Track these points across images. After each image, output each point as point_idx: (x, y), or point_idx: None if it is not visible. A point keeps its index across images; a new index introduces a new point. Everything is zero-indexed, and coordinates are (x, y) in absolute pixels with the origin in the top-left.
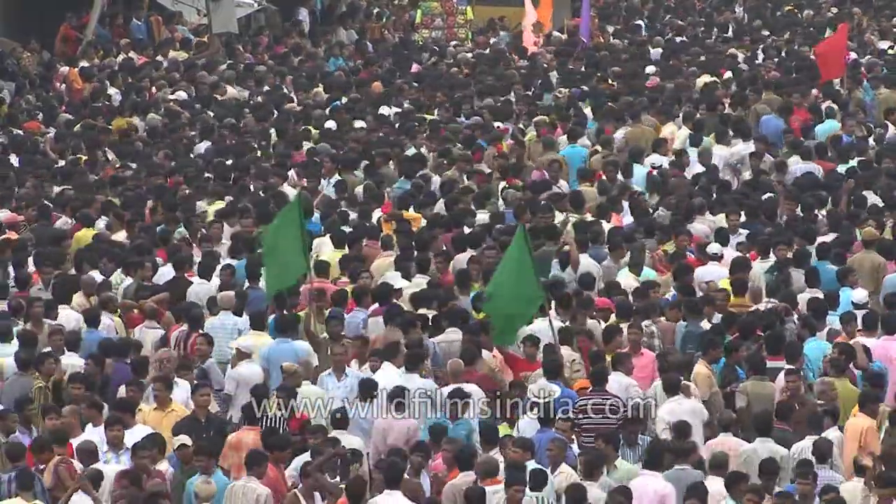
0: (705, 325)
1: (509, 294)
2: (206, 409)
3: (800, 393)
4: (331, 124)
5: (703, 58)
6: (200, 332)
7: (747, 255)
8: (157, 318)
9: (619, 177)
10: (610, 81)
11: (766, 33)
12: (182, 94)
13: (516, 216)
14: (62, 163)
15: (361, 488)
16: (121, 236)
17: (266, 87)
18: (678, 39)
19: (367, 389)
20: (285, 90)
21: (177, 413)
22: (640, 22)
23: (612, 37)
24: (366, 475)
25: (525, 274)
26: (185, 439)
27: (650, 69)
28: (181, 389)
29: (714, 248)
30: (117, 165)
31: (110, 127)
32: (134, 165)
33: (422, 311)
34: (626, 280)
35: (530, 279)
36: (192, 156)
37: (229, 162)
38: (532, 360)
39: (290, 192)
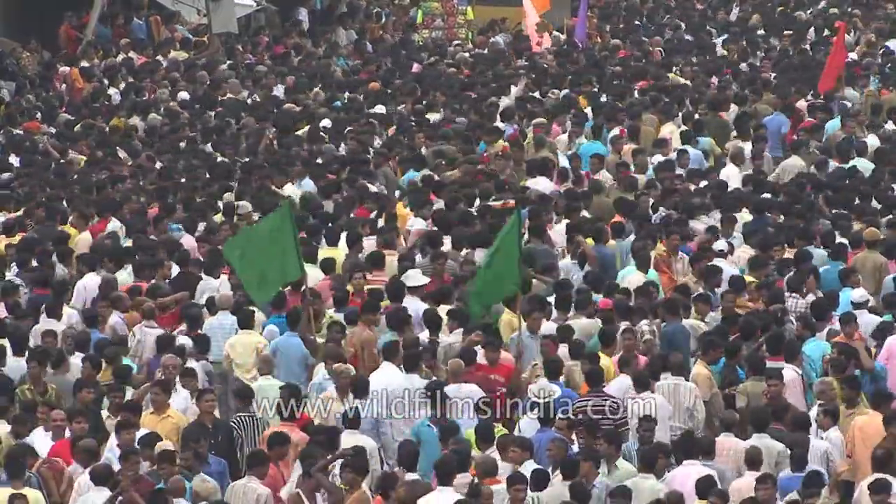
0: (699, 324)
1: (489, 274)
2: (212, 415)
3: (780, 397)
4: (326, 123)
5: (694, 59)
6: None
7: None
8: (172, 318)
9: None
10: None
11: (762, 33)
12: (184, 95)
13: (531, 216)
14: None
15: (391, 483)
16: (86, 236)
17: (263, 88)
18: (687, 38)
19: (362, 389)
20: (276, 92)
21: (173, 419)
22: (638, 22)
23: (610, 37)
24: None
25: (509, 259)
26: (167, 445)
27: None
28: (180, 396)
29: (721, 244)
30: (129, 163)
31: (116, 126)
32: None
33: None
34: (635, 278)
35: (512, 265)
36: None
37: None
38: (493, 364)
39: (293, 192)
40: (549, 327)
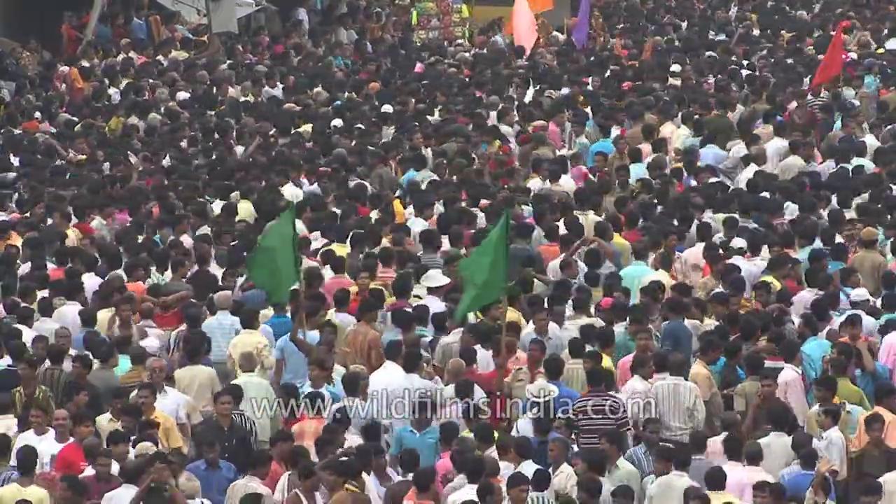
0: (700, 324)
1: (476, 274)
2: (229, 418)
3: (774, 397)
4: (337, 122)
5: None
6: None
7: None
8: (174, 318)
9: None
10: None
11: (757, 32)
12: (184, 95)
13: (536, 217)
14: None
15: (430, 478)
16: (72, 234)
17: (265, 88)
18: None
19: (352, 385)
20: (276, 92)
21: (160, 423)
22: (640, 22)
23: (610, 36)
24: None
25: (497, 261)
26: (148, 446)
27: (675, 68)
28: (170, 400)
29: (739, 242)
30: (140, 168)
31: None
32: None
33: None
34: (660, 278)
35: (500, 267)
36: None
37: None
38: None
39: (296, 192)
40: (553, 329)
